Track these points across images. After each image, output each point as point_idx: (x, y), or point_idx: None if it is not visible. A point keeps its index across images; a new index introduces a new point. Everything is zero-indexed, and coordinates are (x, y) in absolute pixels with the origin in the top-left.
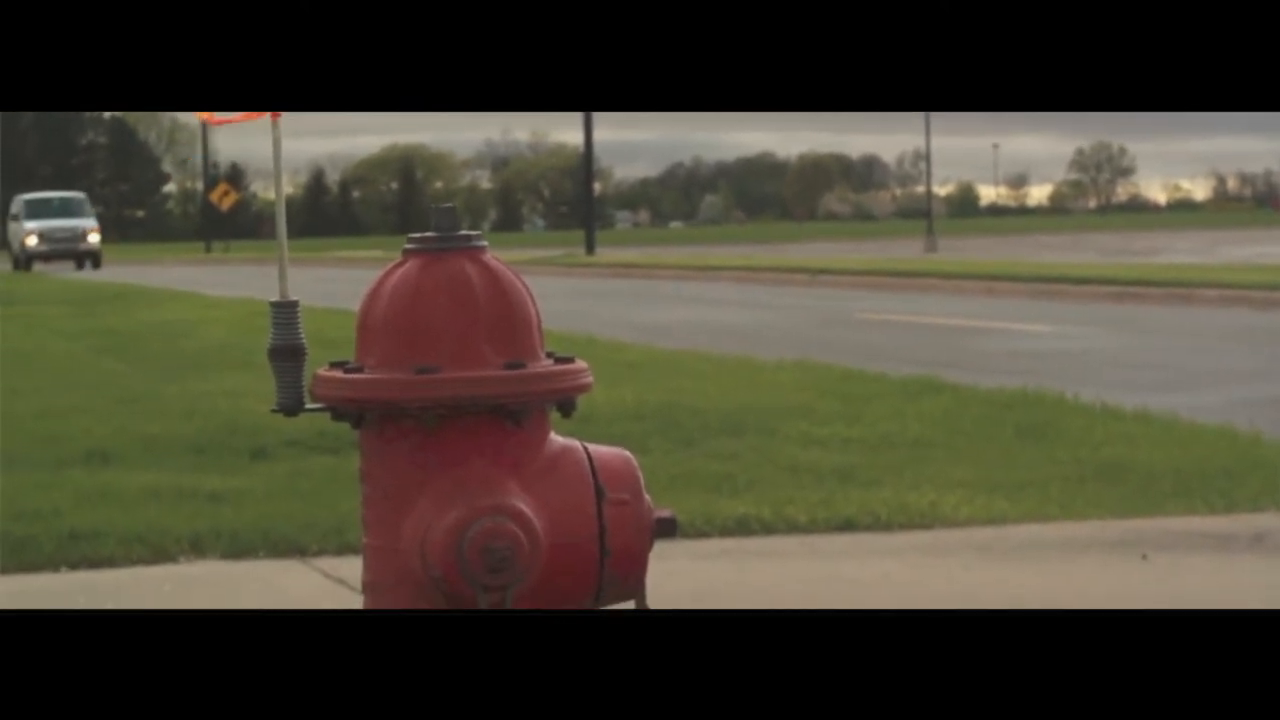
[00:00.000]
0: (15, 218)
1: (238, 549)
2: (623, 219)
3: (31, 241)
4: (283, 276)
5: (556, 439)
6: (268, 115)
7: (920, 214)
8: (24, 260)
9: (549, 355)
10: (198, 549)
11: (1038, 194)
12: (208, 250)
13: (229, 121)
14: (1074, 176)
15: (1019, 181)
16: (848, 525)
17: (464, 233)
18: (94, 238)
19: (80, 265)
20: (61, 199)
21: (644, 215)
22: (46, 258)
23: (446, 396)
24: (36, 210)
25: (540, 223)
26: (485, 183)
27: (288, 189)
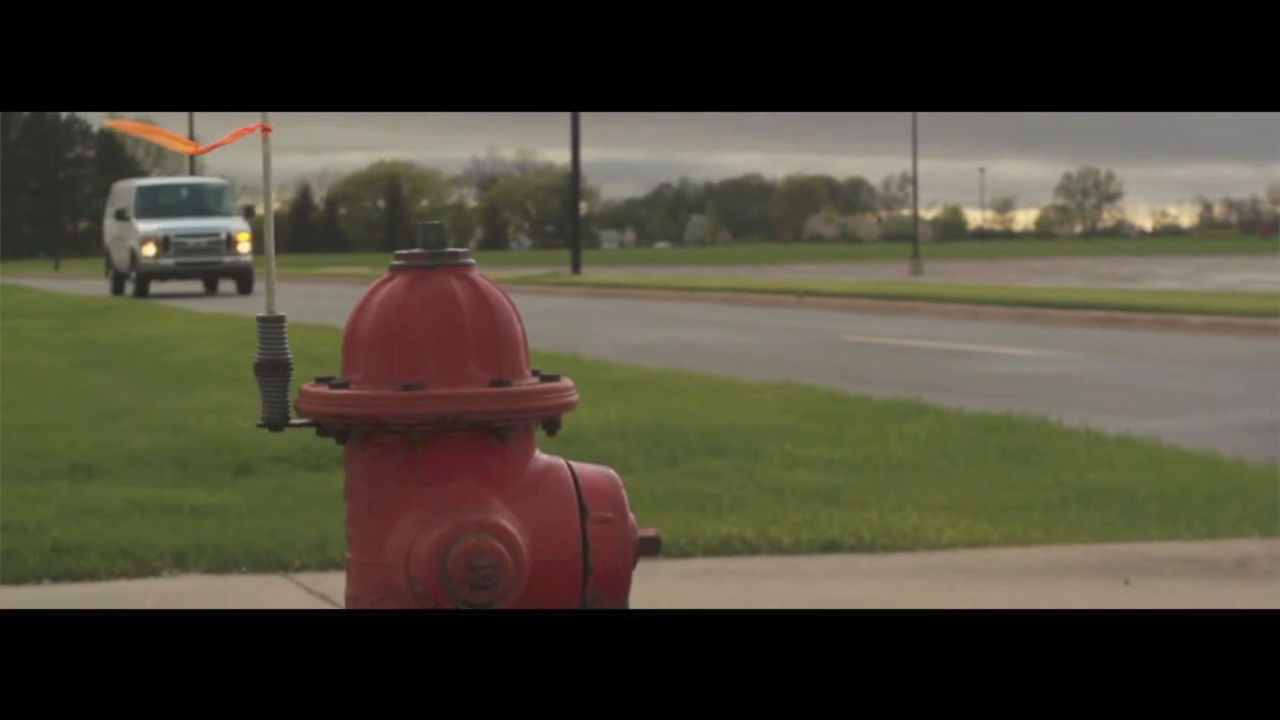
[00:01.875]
0: (121, 215)
1: (221, 564)
2: (609, 239)
3: (149, 252)
4: (270, 291)
5: (541, 456)
6: (257, 130)
7: (906, 237)
8: (136, 279)
9: (534, 373)
10: (181, 563)
11: (1024, 219)
12: None
13: (215, 147)
14: (1060, 202)
15: (1005, 206)
16: (831, 547)
17: (451, 250)
18: (244, 247)
19: (212, 287)
20: (193, 188)
21: (630, 235)
22: (171, 276)
23: (432, 413)
24: (156, 204)
25: (526, 241)
26: (472, 201)
27: (274, 205)
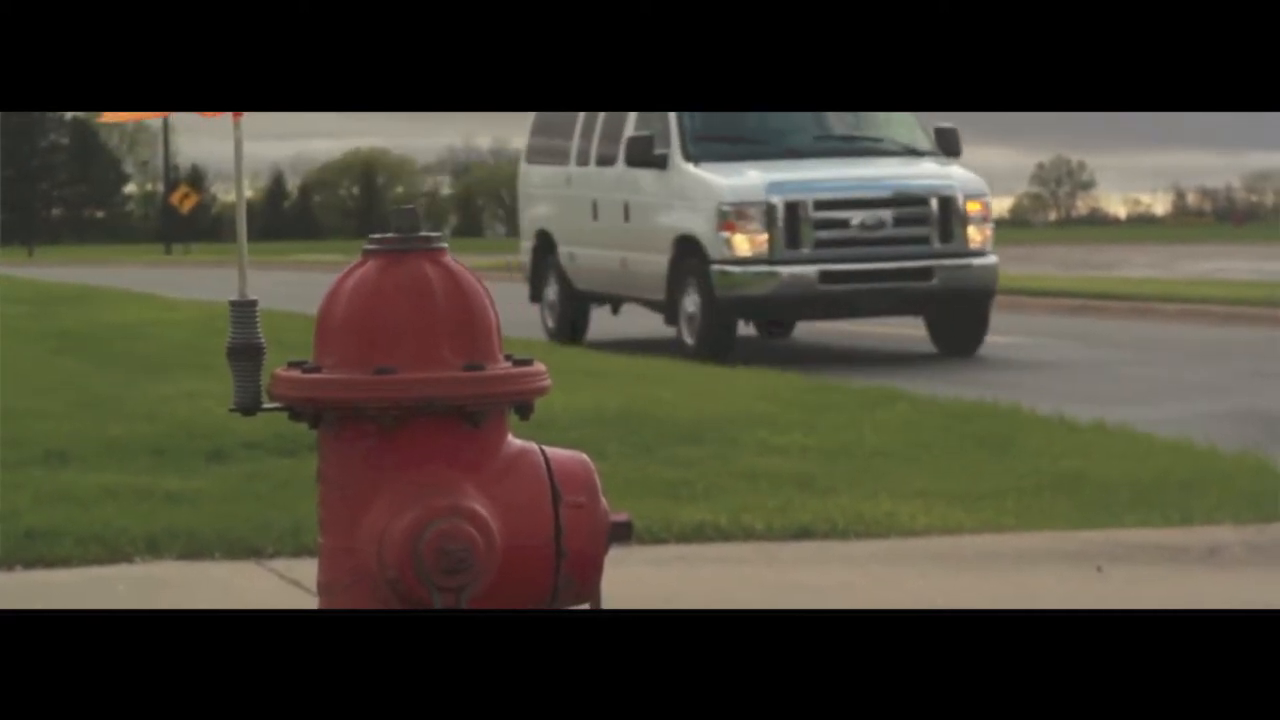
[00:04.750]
0: (645, 155)
1: (194, 550)
2: None
3: (746, 245)
4: (242, 275)
5: (514, 441)
6: (227, 116)
7: None
8: (715, 314)
9: (507, 358)
10: (154, 550)
11: (998, 206)
12: (168, 252)
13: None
14: (1034, 190)
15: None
16: (804, 533)
17: (424, 234)
18: (979, 233)
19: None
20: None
21: None
22: (813, 308)
23: (405, 397)
24: (729, 130)
25: (501, 229)
26: (446, 188)
27: (247, 193)
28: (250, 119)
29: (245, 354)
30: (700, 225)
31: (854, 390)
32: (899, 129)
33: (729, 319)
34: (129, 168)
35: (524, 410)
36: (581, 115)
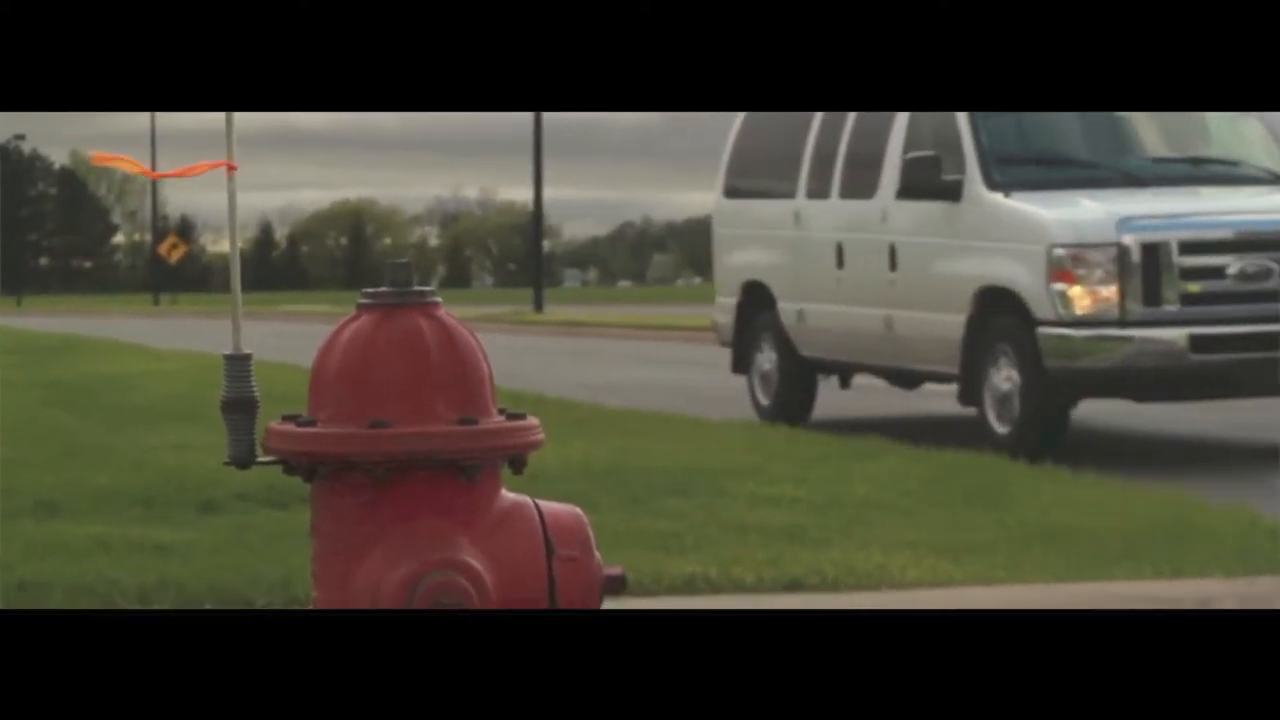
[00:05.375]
0: (926, 184)
1: (184, 601)
2: (571, 277)
3: (1086, 299)
4: (236, 329)
5: (507, 495)
6: (222, 168)
7: None
8: (1042, 390)
9: (500, 411)
10: (145, 601)
11: None
12: (155, 302)
13: (176, 175)
14: None
15: None
16: (795, 585)
17: (418, 288)
18: None
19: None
20: None
21: (593, 274)
22: (1184, 379)
23: (399, 451)
24: (1043, 146)
25: (489, 280)
26: (434, 239)
27: (237, 244)
28: (239, 170)
29: (239, 408)
30: (1019, 274)
31: (842, 442)
32: (1254, 149)
33: (1062, 399)
34: (117, 218)
35: (517, 464)
36: (814, 135)
